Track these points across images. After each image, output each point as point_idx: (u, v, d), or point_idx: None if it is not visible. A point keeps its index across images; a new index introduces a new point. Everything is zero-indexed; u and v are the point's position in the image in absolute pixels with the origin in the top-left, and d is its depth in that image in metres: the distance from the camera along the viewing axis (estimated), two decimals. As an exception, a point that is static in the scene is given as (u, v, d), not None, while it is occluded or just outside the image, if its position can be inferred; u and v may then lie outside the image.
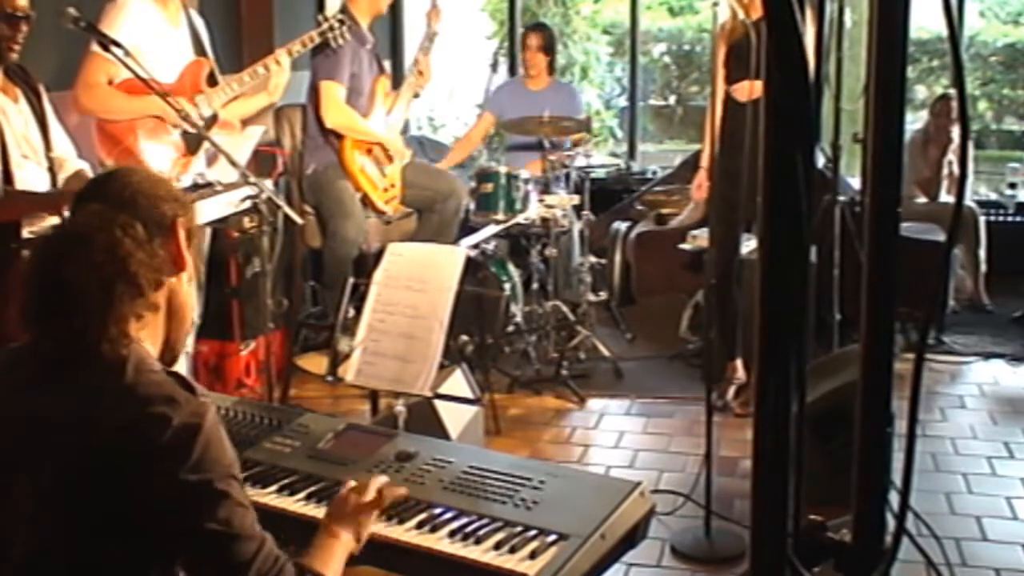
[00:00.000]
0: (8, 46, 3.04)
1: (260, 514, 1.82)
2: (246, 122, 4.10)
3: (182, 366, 3.63)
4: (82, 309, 1.50)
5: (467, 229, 4.95)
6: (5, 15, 3.00)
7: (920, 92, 9.15)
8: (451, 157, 5.90)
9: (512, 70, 7.28)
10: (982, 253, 5.65)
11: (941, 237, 5.13)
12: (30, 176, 3.11)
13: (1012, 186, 6.10)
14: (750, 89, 3.89)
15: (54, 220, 2.99)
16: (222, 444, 1.52)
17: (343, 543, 1.75)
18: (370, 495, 1.83)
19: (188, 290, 1.69)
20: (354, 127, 4.75)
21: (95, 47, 3.47)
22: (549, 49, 5.67)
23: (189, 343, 3.90)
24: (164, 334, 1.64)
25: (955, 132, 5.73)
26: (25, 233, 2.95)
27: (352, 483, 1.88)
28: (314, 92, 4.74)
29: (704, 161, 4.61)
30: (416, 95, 5.09)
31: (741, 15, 3.64)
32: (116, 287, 1.51)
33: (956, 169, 5.79)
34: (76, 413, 1.50)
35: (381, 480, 1.89)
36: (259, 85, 3.97)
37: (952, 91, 5.92)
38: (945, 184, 5.83)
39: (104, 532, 1.49)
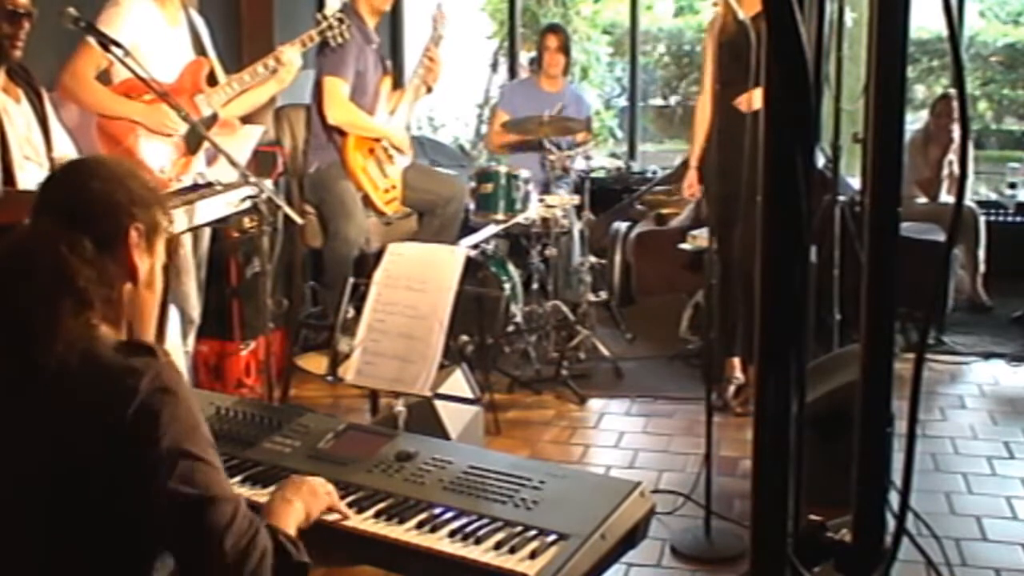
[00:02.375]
0: (11, 44, 3.04)
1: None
2: (251, 116, 4.10)
3: (181, 366, 3.64)
4: (28, 328, 1.50)
5: (467, 229, 4.95)
6: (7, 12, 2.99)
7: (920, 92, 9.15)
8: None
9: (512, 70, 7.29)
10: (981, 253, 5.65)
11: (941, 237, 5.13)
12: (32, 177, 3.11)
13: (1012, 186, 6.11)
14: (749, 100, 3.87)
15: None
16: (189, 405, 1.52)
17: (295, 510, 1.75)
18: (322, 491, 1.85)
19: (147, 296, 1.66)
20: (356, 123, 4.74)
21: (91, 39, 3.46)
22: (567, 50, 5.68)
23: (189, 343, 3.90)
24: (124, 335, 1.62)
25: (956, 132, 5.73)
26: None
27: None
28: (318, 89, 4.74)
29: (693, 160, 4.61)
30: (429, 88, 5.05)
31: (741, 15, 3.64)
32: (62, 305, 1.51)
33: (956, 169, 5.80)
34: (44, 415, 1.50)
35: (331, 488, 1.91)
36: (266, 77, 3.97)
37: (952, 91, 5.92)
38: (945, 184, 5.83)
39: (93, 517, 1.49)
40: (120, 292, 1.60)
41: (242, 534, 1.50)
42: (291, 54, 4.00)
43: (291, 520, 1.72)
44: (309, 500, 1.81)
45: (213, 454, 1.54)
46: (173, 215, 1.84)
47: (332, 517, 1.90)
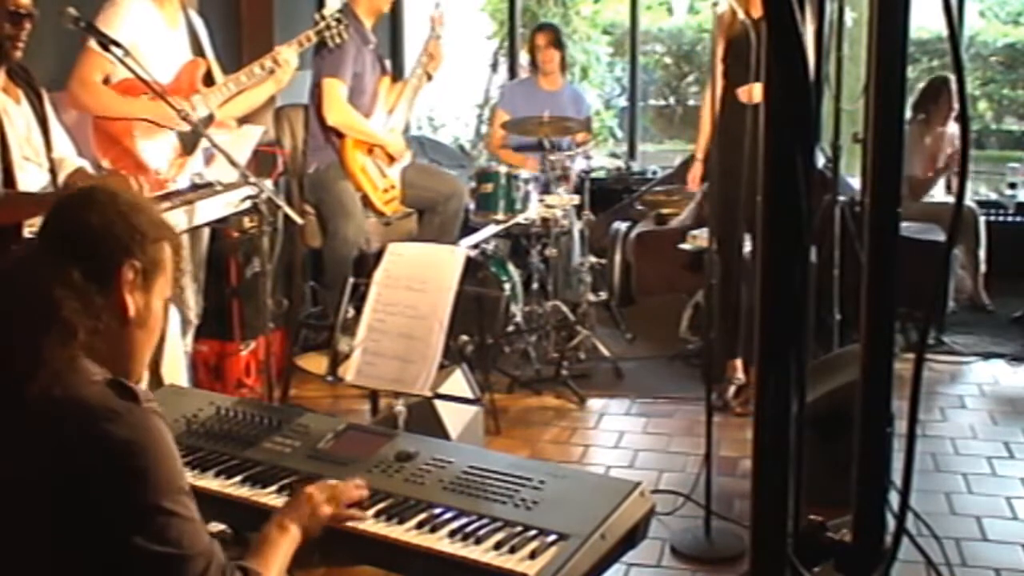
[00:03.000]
0: (12, 45, 3.04)
1: (260, 515, 1.83)
2: (251, 118, 4.10)
3: (182, 366, 3.64)
4: (11, 357, 1.48)
5: (467, 229, 4.95)
6: (8, 13, 2.99)
7: (920, 92, 9.13)
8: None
9: (512, 70, 7.28)
10: (982, 253, 5.65)
11: (941, 237, 5.13)
12: (31, 177, 3.11)
13: (1012, 186, 6.11)
14: (750, 92, 3.89)
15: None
16: (170, 457, 1.48)
17: (291, 538, 1.75)
18: (331, 506, 1.85)
19: (139, 336, 1.61)
20: (354, 126, 4.75)
21: (92, 44, 3.47)
22: (559, 44, 5.67)
23: (188, 343, 3.90)
24: (112, 371, 1.56)
25: (950, 122, 5.74)
26: (26, 234, 2.95)
27: (316, 487, 1.89)
28: (316, 89, 4.74)
29: (699, 153, 4.63)
30: (429, 77, 5.05)
31: (741, 15, 3.64)
32: (46, 335, 1.48)
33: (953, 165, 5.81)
34: (19, 449, 1.47)
35: (352, 493, 1.91)
36: (263, 78, 3.97)
37: (951, 76, 5.92)
38: (943, 181, 5.83)
39: (57, 564, 1.46)
40: (108, 327, 1.55)
41: None
42: (288, 54, 4.00)
43: (279, 554, 1.71)
44: (310, 522, 1.81)
45: (188, 504, 1.50)
46: (183, 254, 1.80)
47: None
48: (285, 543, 1.74)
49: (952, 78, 5.84)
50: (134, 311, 1.57)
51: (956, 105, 5.71)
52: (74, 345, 1.49)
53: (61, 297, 1.49)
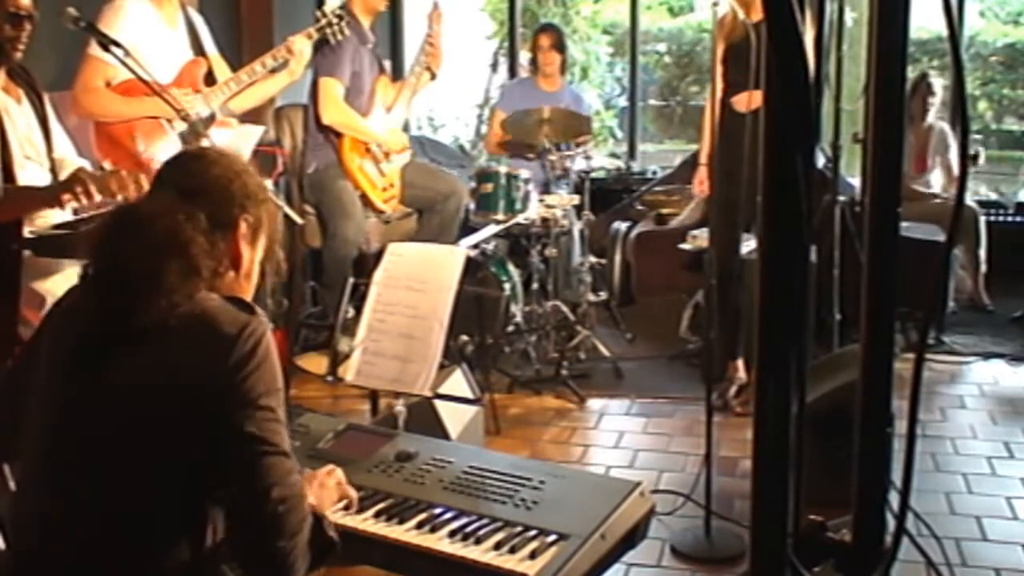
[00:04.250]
0: (12, 47, 3.04)
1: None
2: (250, 118, 4.10)
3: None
4: (132, 282, 1.58)
5: (467, 229, 4.95)
6: (8, 15, 3.00)
7: (920, 92, 9.14)
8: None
9: (512, 70, 7.28)
10: (982, 253, 5.65)
11: (941, 237, 5.13)
12: (32, 177, 3.11)
13: None
14: (749, 99, 3.89)
15: (55, 219, 2.99)
16: (276, 364, 1.61)
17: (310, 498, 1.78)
18: (334, 480, 1.89)
19: (245, 286, 1.76)
20: (351, 125, 4.75)
21: (93, 50, 3.47)
22: (561, 47, 5.67)
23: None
24: None
25: (929, 120, 5.74)
26: (26, 232, 2.95)
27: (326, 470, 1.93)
28: (314, 89, 4.74)
29: (703, 157, 4.63)
30: (432, 75, 5.03)
31: (741, 15, 3.64)
32: (169, 263, 1.58)
33: (950, 162, 5.81)
34: (148, 369, 1.57)
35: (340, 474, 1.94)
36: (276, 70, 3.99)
37: (931, 72, 5.93)
38: (938, 176, 5.83)
39: (170, 450, 1.55)
40: (225, 273, 1.70)
41: (292, 491, 1.56)
42: (301, 44, 4.01)
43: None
44: (320, 494, 1.84)
45: (283, 413, 1.60)
46: (279, 217, 1.88)
47: (341, 517, 1.90)
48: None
49: (931, 74, 5.85)
50: (246, 263, 1.74)
51: (934, 98, 5.73)
52: (198, 282, 1.62)
53: (191, 235, 1.62)
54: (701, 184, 4.65)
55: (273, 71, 4.01)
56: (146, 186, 3.19)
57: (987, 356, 4.95)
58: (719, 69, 4.11)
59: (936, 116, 5.87)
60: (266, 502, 1.53)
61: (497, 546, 1.81)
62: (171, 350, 1.58)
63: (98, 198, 2.85)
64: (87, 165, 3.37)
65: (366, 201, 4.80)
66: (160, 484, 1.57)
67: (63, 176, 3.22)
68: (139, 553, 1.57)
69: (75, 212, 3.04)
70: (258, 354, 1.57)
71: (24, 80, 3.18)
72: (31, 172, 3.12)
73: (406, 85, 4.99)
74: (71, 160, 3.31)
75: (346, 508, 1.94)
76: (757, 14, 3.60)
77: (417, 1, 6.65)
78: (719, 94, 4.05)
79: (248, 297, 1.76)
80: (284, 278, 3.45)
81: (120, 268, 1.60)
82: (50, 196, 2.96)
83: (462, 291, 2.73)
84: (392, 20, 6.96)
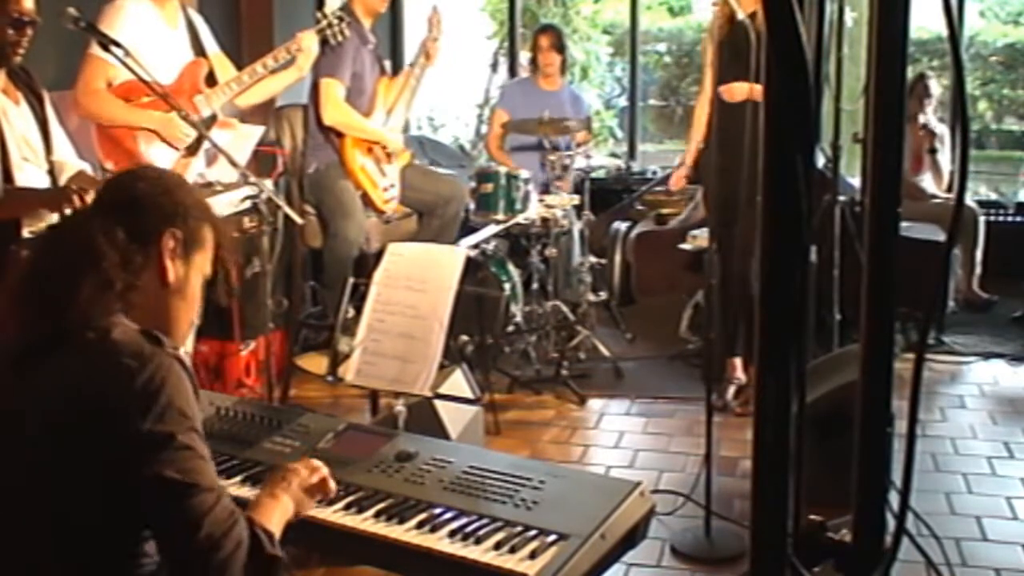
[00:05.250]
0: (13, 50, 3.06)
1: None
2: (250, 118, 4.11)
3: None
4: (46, 293, 1.61)
5: (467, 229, 4.95)
6: (12, 20, 3.01)
7: (920, 92, 9.14)
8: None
9: (512, 70, 7.28)
10: (979, 254, 5.65)
11: (941, 237, 5.13)
12: (30, 178, 3.11)
13: None
14: (745, 90, 3.89)
15: (54, 219, 2.99)
16: (186, 397, 1.59)
17: (283, 505, 1.76)
18: (315, 478, 1.85)
19: (177, 303, 1.73)
20: (352, 124, 4.75)
21: (94, 50, 3.47)
22: (561, 48, 5.67)
23: (189, 343, 3.90)
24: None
25: (925, 118, 5.74)
26: (25, 233, 2.95)
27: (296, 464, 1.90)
28: (315, 89, 4.74)
29: (688, 159, 4.65)
30: (428, 58, 5.00)
31: (741, 15, 3.64)
32: (82, 276, 1.60)
33: (941, 164, 5.81)
34: (57, 384, 1.57)
35: (323, 469, 1.90)
36: (280, 68, 4.00)
37: (929, 72, 5.94)
38: (931, 177, 5.83)
39: (81, 490, 1.55)
40: (148, 288, 1.67)
41: (218, 523, 1.55)
42: (309, 41, 4.02)
43: (275, 515, 1.73)
44: (298, 492, 1.81)
45: (201, 443, 1.59)
46: (229, 237, 1.88)
47: (341, 517, 1.89)
48: (278, 509, 1.75)
49: (929, 74, 5.85)
50: (173, 277, 1.70)
51: (930, 99, 5.74)
52: (111, 295, 1.61)
53: (103, 249, 1.62)
54: (678, 181, 4.72)
55: (276, 70, 4.01)
56: None
57: (987, 356, 4.94)
58: (710, 71, 4.11)
59: (936, 117, 5.87)
60: (193, 542, 1.53)
61: (497, 546, 1.81)
62: (77, 371, 1.57)
63: None
64: (87, 168, 3.37)
65: (367, 201, 4.80)
66: (73, 518, 1.57)
67: (63, 179, 3.23)
68: None
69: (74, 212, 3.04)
70: (163, 393, 1.54)
71: (24, 82, 3.18)
72: (29, 174, 3.12)
73: (404, 90, 4.97)
74: (71, 163, 3.31)
75: (326, 501, 1.91)
76: (750, 5, 3.59)
77: (417, 2, 6.65)
78: (709, 93, 4.05)
79: (186, 316, 1.76)
80: (234, 296, 3.46)
81: (35, 280, 1.63)
82: (50, 201, 2.97)
83: (462, 291, 2.73)
84: (392, 21, 6.95)
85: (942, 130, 5.87)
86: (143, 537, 1.62)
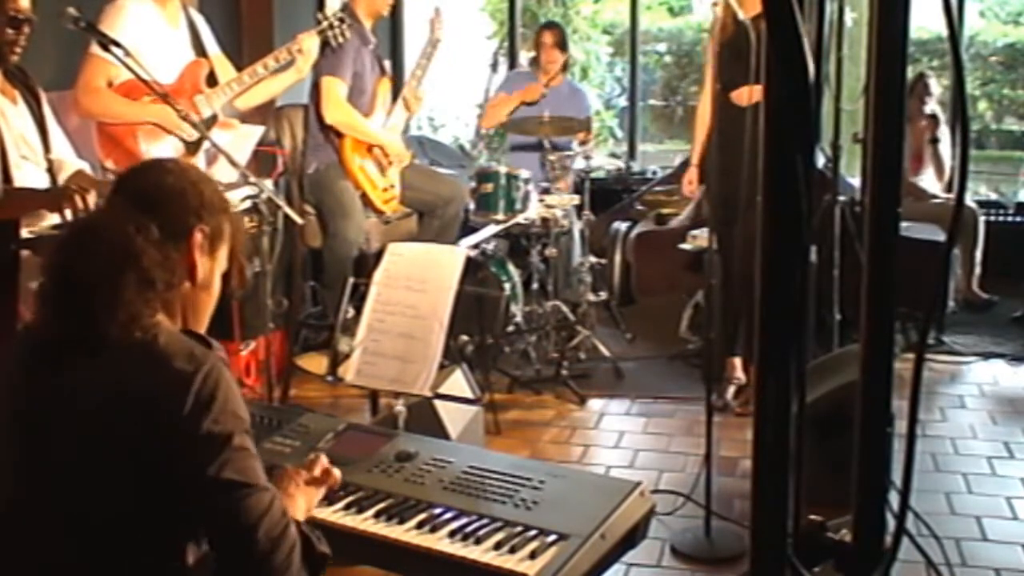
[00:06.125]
0: (10, 49, 3.05)
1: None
2: (250, 118, 4.11)
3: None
4: (88, 297, 1.56)
5: (467, 229, 4.95)
6: (8, 18, 3.01)
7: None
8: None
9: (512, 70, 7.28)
10: (978, 254, 5.65)
11: (941, 237, 5.13)
12: (29, 177, 3.11)
13: None
14: (749, 94, 3.89)
15: (54, 219, 2.99)
16: (238, 398, 1.59)
17: (299, 506, 1.77)
18: (316, 471, 1.86)
19: (203, 298, 1.74)
20: (353, 125, 4.75)
21: (94, 49, 3.47)
22: (564, 46, 5.66)
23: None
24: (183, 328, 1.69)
25: (928, 108, 5.75)
26: (24, 233, 2.95)
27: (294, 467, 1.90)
28: (316, 89, 4.74)
29: (695, 158, 4.63)
30: (434, 46, 5.01)
31: (741, 15, 3.64)
32: (125, 278, 1.57)
33: (942, 155, 5.81)
34: (100, 385, 1.55)
35: (324, 459, 1.91)
36: (280, 69, 4.00)
37: (928, 72, 5.94)
38: (931, 171, 5.83)
39: (133, 495, 1.54)
40: (180, 284, 1.67)
41: (275, 524, 1.55)
42: (309, 43, 4.01)
43: (299, 515, 1.74)
44: (307, 491, 1.83)
45: (253, 446, 1.60)
46: (243, 230, 1.88)
47: (341, 517, 1.89)
48: (298, 509, 1.75)
49: (928, 74, 5.85)
50: (202, 273, 1.70)
51: (931, 97, 5.74)
52: (152, 294, 1.60)
53: (142, 246, 1.60)
54: (690, 184, 4.66)
55: (277, 71, 4.01)
56: None
57: (987, 356, 4.94)
58: (710, 71, 4.11)
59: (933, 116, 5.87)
60: (253, 542, 1.52)
61: (497, 546, 1.81)
62: (122, 372, 1.56)
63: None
64: (86, 167, 3.37)
65: (366, 201, 4.80)
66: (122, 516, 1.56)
67: (62, 177, 3.23)
68: None
69: (74, 213, 3.04)
70: (219, 395, 1.54)
71: (20, 80, 3.18)
72: (28, 172, 3.12)
73: (397, 106, 4.99)
74: (70, 162, 3.31)
75: (332, 494, 1.91)
76: (752, 9, 3.59)
77: (418, 3, 6.64)
78: (711, 93, 4.05)
79: (209, 310, 1.76)
80: (248, 289, 3.45)
81: (74, 283, 1.58)
82: (50, 201, 2.97)
83: (462, 291, 2.72)
84: (392, 22, 6.95)
85: (942, 128, 5.88)
86: (180, 540, 1.60)
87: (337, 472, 1.90)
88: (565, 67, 5.74)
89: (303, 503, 1.79)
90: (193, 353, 1.56)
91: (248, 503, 1.53)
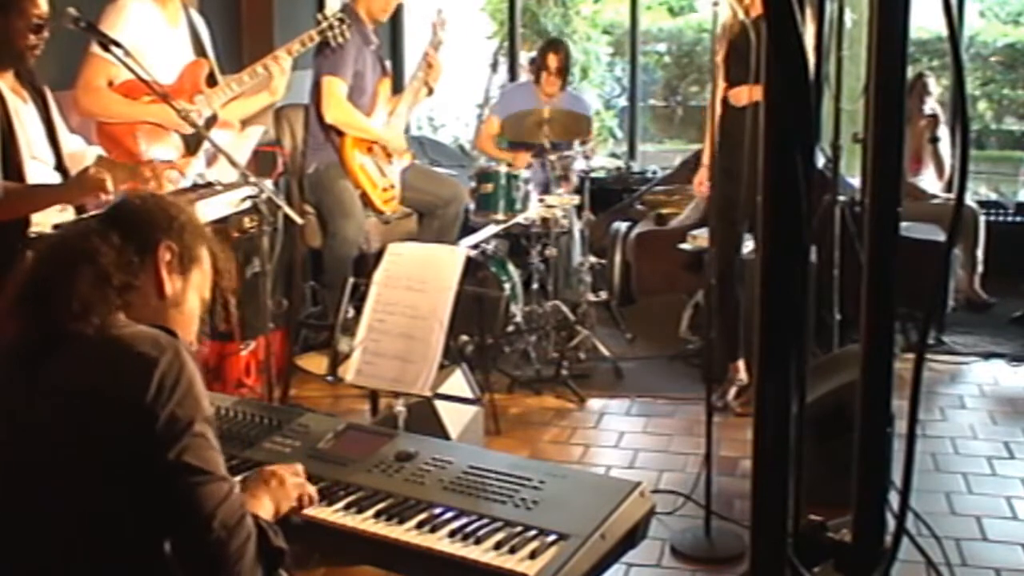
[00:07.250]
0: (32, 53, 3.07)
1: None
2: (246, 122, 4.10)
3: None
4: (45, 291, 1.63)
5: (467, 229, 4.95)
6: (32, 25, 3.03)
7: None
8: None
9: (512, 71, 7.28)
10: (980, 253, 5.65)
11: (941, 237, 5.13)
12: (39, 175, 3.12)
13: None
14: (749, 93, 3.90)
15: (54, 218, 3.00)
16: (201, 388, 1.61)
17: (263, 505, 1.77)
18: (291, 482, 1.85)
19: (175, 316, 1.75)
20: (353, 123, 4.75)
21: (95, 49, 3.47)
22: (566, 70, 5.64)
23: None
24: None
25: (928, 107, 5.75)
26: (31, 232, 2.96)
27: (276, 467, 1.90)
28: (316, 88, 4.74)
29: (705, 159, 4.63)
30: (430, 91, 5.04)
31: (741, 15, 3.64)
32: (79, 269, 1.63)
33: (942, 155, 5.81)
34: (66, 379, 1.58)
35: (300, 471, 1.90)
36: (260, 85, 3.97)
37: (927, 72, 5.94)
38: (931, 168, 5.83)
39: (111, 491, 1.55)
40: (145, 292, 1.70)
41: (232, 513, 1.56)
42: (287, 63, 4.00)
43: (262, 513, 1.74)
44: (277, 494, 1.82)
45: (215, 438, 1.61)
46: (227, 259, 1.89)
47: (341, 516, 1.89)
48: (261, 509, 1.75)
49: (928, 73, 5.85)
50: (171, 291, 1.73)
51: (929, 100, 5.74)
52: (109, 291, 1.64)
53: (98, 247, 1.66)
54: (701, 184, 4.65)
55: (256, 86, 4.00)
56: (177, 180, 3.24)
57: (987, 356, 4.94)
58: (719, 70, 4.11)
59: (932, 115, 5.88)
60: (208, 530, 1.54)
61: (497, 546, 1.81)
62: (88, 366, 1.59)
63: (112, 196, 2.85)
64: (101, 150, 3.39)
65: (366, 201, 4.79)
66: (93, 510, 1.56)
67: (84, 164, 3.23)
68: None
69: (77, 212, 3.05)
70: (183, 380, 1.56)
71: (28, 80, 3.19)
72: (38, 171, 3.12)
73: (404, 96, 4.99)
74: (82, 152, 3.33)
75: (301, 507, 1.88)
76: (756, 10, 3.60)
77: (418, 4, 6.64)
78: (720, 94, 4.05)
79: (187, 333, 1.77)
80: (233, 321, 3.46)
81: (35, 281, 1.66)
82: (68, 194, 2.99)
83: (462, 291, 2.72)
84: (393, 24, 6.94)
85: (942, 128, 5.87)
86: (157, 534, 1.59)
87: (312, 489, 1.89)
88: (564, 83, 5.70)
89: (269, 505, 1.78)
90: (158, 340, 1.58)
91: (205, 490, 1.55)
